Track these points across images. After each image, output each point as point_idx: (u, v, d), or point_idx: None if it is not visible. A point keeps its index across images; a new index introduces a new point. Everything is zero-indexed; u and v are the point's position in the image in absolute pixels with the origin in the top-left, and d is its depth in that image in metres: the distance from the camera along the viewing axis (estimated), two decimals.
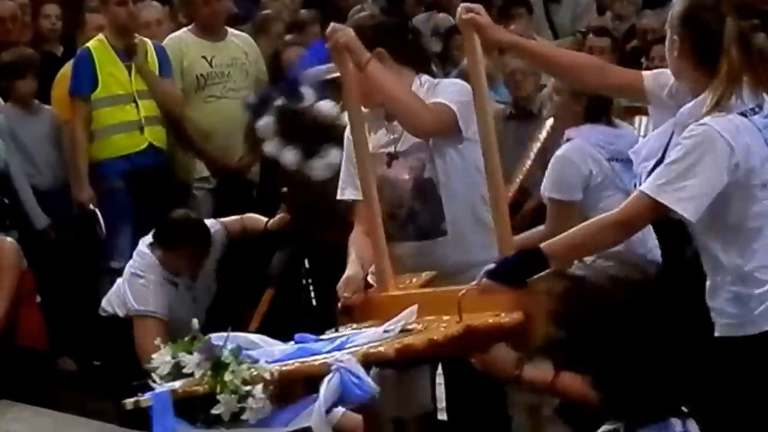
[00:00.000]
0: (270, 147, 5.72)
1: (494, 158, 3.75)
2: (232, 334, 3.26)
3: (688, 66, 3.53)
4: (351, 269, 3.96)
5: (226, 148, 6.92)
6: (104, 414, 5.30)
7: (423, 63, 4.42)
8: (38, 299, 5.94)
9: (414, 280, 3.96)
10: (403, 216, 4.19)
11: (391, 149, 4.20)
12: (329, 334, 3.63)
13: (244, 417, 2.82)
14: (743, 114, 3.45)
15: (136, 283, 5.53)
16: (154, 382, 3.06)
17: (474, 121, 3.97)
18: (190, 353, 2.86)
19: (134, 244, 5.94)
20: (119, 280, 5.68)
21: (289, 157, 5.63)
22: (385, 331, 3.39)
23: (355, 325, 3.74)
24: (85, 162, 6.77)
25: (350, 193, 4.21)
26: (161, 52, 6.97)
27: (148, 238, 5.62)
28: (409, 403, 3.80)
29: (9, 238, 5.99)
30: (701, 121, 3.43)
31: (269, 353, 3.23)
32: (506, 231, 3.68)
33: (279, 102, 5.75)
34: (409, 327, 3.38)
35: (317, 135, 5.62)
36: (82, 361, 5.59)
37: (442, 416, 4.61)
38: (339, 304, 3.86)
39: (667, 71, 3.70)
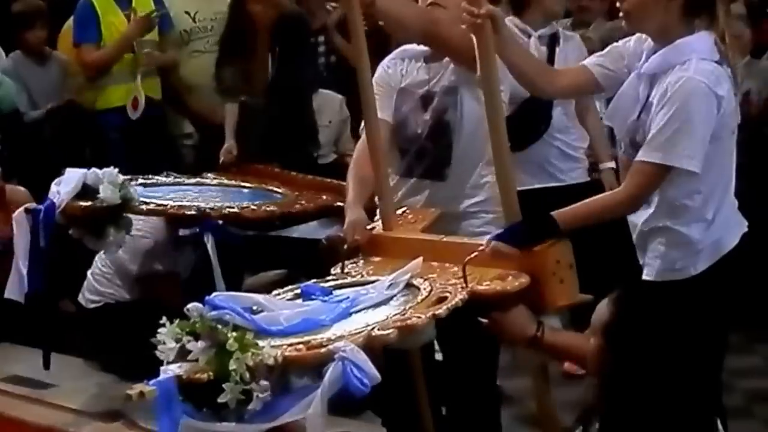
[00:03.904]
0: None
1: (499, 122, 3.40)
2: (238, 294, 3.14)
3: (667, 15, 3.42)
4: (354, 213, 3.78)
5: (210, 104, 6.47)
6: (104, 356, 5.22)
7: None
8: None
9: (419, 217, 3.86)
10: (413, 152, 4.04)
11: (425, 89, 4.04)
12: (333, 280, 3.49)
13: (250, 406, 2.67)
14: (719, 63, 3.39)
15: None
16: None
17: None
18: (195, 334, 2.71)
19: None
20: None
21: None
22: (391, 285, 3.24)
23: (361, 263, 3.63)
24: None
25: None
26: (159, 2, 6.73)
27: None
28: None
29: (21, 187, 5.82)
30: (683, 74, 3.34)
31: (275, 320, 3.04)
32: (513, 202, 3.38)
33: None
34: (415, 283, 3.25)
35: None
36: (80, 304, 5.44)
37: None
38: (345, 246, 3.71)
39: (605, 52, 3.62)
